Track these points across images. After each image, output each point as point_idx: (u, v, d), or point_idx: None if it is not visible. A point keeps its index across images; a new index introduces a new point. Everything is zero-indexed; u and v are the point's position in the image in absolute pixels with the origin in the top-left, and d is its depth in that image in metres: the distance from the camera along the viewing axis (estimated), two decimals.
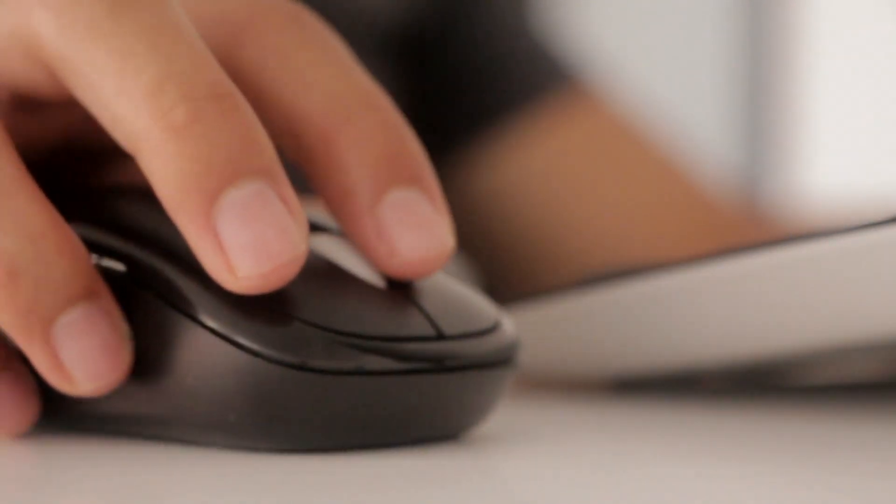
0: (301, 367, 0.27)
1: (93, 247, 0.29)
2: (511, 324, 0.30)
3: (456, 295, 0.29)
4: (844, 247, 0.32)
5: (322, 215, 0.30)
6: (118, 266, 0.28)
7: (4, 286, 0.27)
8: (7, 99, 0.29)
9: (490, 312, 0.29)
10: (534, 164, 0.65)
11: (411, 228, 0.28)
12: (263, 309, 0.27)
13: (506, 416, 0.31)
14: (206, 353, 0.27)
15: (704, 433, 0.33)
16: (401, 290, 0.29)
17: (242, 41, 0.29)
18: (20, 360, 0.29)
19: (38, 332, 0.27)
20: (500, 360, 0.29)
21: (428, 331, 0.28)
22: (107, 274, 0.28)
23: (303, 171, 0.29)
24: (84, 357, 0.27)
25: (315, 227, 0.29)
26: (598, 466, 0.28)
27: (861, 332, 0.33)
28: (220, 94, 0.27)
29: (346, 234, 0.29)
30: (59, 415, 0.30)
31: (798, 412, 0.35)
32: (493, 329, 0.29)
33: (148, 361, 0.28)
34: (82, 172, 0.32)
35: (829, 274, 0.32)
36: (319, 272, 0.28)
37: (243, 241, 0.26)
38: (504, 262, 0.64)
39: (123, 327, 0.28)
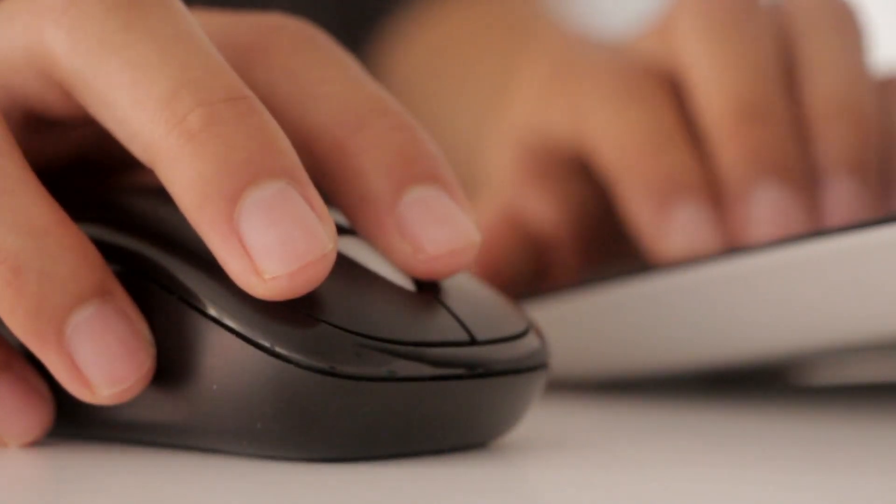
0: (331, 373, 0.26)
1: (107, 248, 0.28)
2: (540, 328, 0.29)
3: (484, 298, 0.29)
4: (844, 247, 0.32)
5: (345, 219, 0.29)
6: (136, 267, 0.28)
7: (9, 283, 0.26)
8: (20, 118, 0.29)
9: (519, 316, 0.29)
10: (431, 46, 0.65)
11: (434, 224, 0.28)
12: (291, 312, 0.26)
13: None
14: (232, 358, 0.26)
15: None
16: (430, 293, 0.28)
17: (252, 62, 0.29)
18: (24, 363, 0.29)
19: (51, 333, 0.27)
20: (534, 366, 0.28)
21: (461, 336, 0.27)
22: (124, 275, 0.28)
23: (319, 184, 0.29)
24: (101, 359, 0.27)
25: (340, 230, 0.28)
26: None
27: (861, 332, 0.33)
28: (235, 98, 0.26)
29: (367, 238, 0.28)
30: (74, 423, 0.29)
31: (798, 412, 0.35)
32: (524, 333, 0.28)
33: (170, 367, 0.27)
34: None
35: (830, 274, 0.32)
36: (347, 274, 0.27)
37: (268, 240, 0.25)
38: None
39: (143, 329, 0.27)
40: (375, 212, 0.28)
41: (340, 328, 0.26)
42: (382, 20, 0.67)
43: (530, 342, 0.28)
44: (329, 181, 0.28)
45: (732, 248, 0.39)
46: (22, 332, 0.27)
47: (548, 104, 0.44)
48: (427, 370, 0.26)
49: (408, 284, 0.28)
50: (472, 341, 0.27)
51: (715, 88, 0.40)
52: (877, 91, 0.42)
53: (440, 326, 0.27)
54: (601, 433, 0.33)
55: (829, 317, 0.33)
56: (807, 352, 0.34)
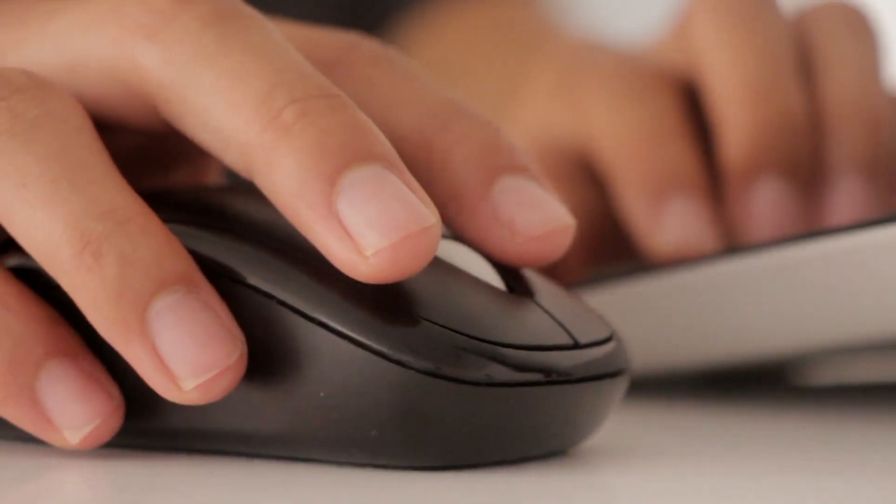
0: (455, 380, 0.25)
1: (197, 253, 0.27)
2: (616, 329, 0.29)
3: (570, 301, 0.28)
4: (844, 247, 0.32)
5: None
6: (227, 272, 0.27)
7: (90, 269, 0.26)
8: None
9: (602, 318, 0.28)
10: (437, 51, 0.65)
11: (528, 207, 0.28)
12: (409, 316, 0.26)
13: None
14: (344, 363, 0.25)
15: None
16: (526, 296, 0.27)
17: (334, 74, 0.29)
18: (91, 357, 0.27)
19: (133, 321, 0.26)
20: (626, 368, 0.28)
21: (565, 339, 0.27)
22: (215, 280, 0.26)
23: None
24: (185, 345, 0.26)
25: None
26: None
27: (861, 332, 0.33)
28: (328, 94, 0.26)
29: (461, 230, 0.28)
30: (165, 434, 0.28)
31: (798, 412, 0.35)
32: (612, 336, 0.28)
33: (270, 374, 0.26)
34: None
35: (830, 274, 0.32)
36: (454, 279, 0.27)
37: (368, 215, 0.25)
38: None
39: (232, 325, 0.26)
40: (469, 201, 0.28)
41: (465, 335, 0.26)
42: (388, 24, 0.67)
43: (618, 344, 0.28)
44: (420, 179, 0.28)
45: (727, 244, 0.39)
46: (104, 322, 0.26)
47: (554, 108, 0.44)
48: (537, 377, 0.26)
49: (504, 288, 0.27)
50: (576, 345, 0.27)
51: (727, 72, 0.40)
52: (892, 98, 0.42)
53: (544, 330, 0.27)
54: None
55: (829, 317, 0.33)
56: (807, 352, 0.34)
